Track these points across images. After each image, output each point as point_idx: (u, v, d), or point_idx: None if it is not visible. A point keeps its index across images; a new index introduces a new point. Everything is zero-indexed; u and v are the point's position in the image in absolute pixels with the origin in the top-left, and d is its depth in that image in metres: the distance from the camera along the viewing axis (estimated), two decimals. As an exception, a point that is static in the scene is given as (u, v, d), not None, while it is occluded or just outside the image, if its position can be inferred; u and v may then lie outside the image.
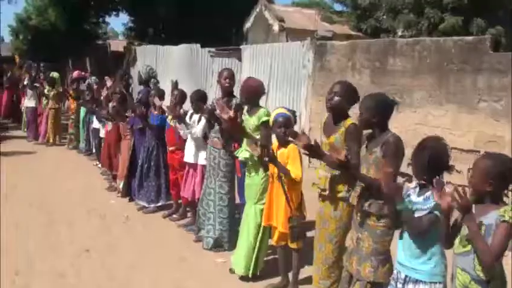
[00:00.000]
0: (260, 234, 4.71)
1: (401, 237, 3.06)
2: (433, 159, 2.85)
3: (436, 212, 2.82)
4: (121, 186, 7.52)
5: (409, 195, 2.98)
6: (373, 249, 3.39)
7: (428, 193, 2.88)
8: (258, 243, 4.70)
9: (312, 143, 3.59)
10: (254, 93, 4.84)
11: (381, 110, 3.40)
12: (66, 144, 11.63)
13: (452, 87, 7.18)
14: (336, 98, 3.80)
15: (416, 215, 2.90)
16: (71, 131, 11.37)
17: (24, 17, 24.07)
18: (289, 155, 4.20)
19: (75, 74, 12.18)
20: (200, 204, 5.55)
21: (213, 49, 12.76)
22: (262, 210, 4.64)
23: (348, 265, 3.57)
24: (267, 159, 4.15)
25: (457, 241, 2.71)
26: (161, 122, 6.53)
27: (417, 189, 2.99)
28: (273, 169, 4.31)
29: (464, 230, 2.64)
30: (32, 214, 6.62)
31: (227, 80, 5.34)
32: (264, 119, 4.66)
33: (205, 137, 5.79)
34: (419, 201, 2.92)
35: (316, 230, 4.04)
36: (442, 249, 2.94)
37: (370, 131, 3.52)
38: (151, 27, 22.45)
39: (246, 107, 4.95)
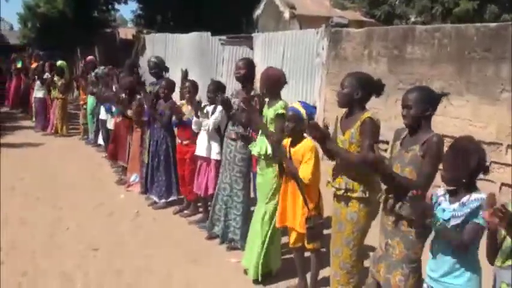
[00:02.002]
0: (269, 235, 4.50)
1: (432, 248, 2.79)
2: (480, 163, 2.63)
3: (476, 220, 2.56)
4: (131, 179, 7.34)
5: (439, 204, 2.73)
6: (404, 256, 3.13)
7: (464, 198, 2.63)
8: (267, 244, 4.49)
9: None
10: (274, 83, 4.57)
11: (433, 104, 3.12)
12: (81, 134, 11.41)
13: (474, 76, 6.89)
14: (344, 91, 3.56)
15: (452, 223, 2.64)
16: (83, 120, 11.15)
17: (33, 4, 23.83)
18: (304, 154, 3.95)
19: (89, 59, 11.86)
20: (216, 200, 5.35)
21: (224, 37, 12.49)
22: (274, 210, 4.44)
23: (375, 272, 3.33)
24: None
25: (498, 254, 2.46)
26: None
27: (447, 195, 2.74)
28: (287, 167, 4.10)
29: (508, 242, 2.39)
30: (38, 209, 6.46)
31: (238, 71, 5.10)
32: (280, 111, 4.41)
33: (218, 130, 5.57)
34: (455, 207, 2.66)
35: (332, 233, 3.81)
36: (478, 260, 2.68)
37: (404, 127, 3.24)
38: (159, 15, 22.18)
39: (266, 99, 4.69)
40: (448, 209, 2.68)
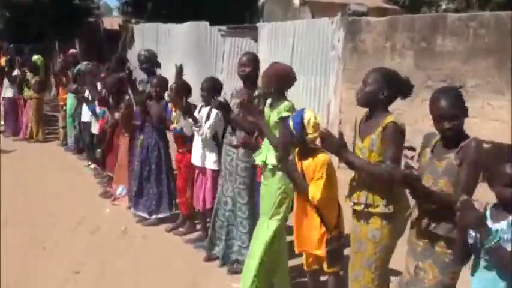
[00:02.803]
0: (274, 256, 4.52)
1: (474, 272, 2.77)
2: None
3: None
4: (117, 192, 7.36)
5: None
6: (438, 282, 3.12)
7: (511, 217, 2.58)
8: (268, 264, 4.51)
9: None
10: (285, 81, 4.53)
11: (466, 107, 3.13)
12: (60, 139, 11.47)
13: (516, 72, 6.89)
14: (368, 89, 3.53)
15: (509, 248, 2.54)
16: (63, 124, 11.19)
17: (0, -10, 23.89)
18: (315, 170, 3.92)
19: (71, 53, 11.87)
20: (215, 216, 5.36)
21: (224, 27, 12.54)
22: (277, 226, 4.47)
23: (402, 300, 3.32)
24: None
25: None
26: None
27: (487, 212, 2.69)
28: None
29: None
30: (10, 226, 6.45)
31: (242, 68, 5.10)
32: (284, 114, 4.37)
33: (215, 135, 5.57)
34: (502, 227, 2.59)
35: (351, 254, 3.79)
36: None
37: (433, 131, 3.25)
38: (150, 1, 22.27)
39: (268, 99, 4.64)
40: (494, 229, 2.62)
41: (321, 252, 4.04)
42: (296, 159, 4.09)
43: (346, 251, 4.15)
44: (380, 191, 3.49)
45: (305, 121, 3.90)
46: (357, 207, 3.61)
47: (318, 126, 3.92)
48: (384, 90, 3.50)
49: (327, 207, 3.98)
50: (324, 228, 4.00)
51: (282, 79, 4.53)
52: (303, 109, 4.06)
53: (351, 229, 3.78)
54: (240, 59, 5.20)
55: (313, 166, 3.93)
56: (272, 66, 4.64)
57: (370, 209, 3.54)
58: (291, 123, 3.94)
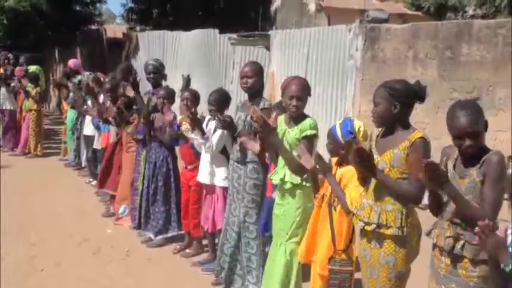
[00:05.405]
0: (293, 279, 4.51)
1: None
2: None
3: None
4: (120, 211, 7.40)
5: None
6: None
7: None
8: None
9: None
10: (307, 95, 4.49)
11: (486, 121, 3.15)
12: (62, 154, 11.60)
13: (549, 83, 6.89)
14: (378, 109, 3.53)
15: None
16: (64, 138, 11.31)
17: (-2, -3, 24.25)
18: (351, 177, 3.95)
19: (72, 63, 11.98)
20: (224, 237, 5.37)
21: (234, 35, 12.61)
22: (295, 249, 4.47)
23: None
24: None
25: None
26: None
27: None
28: (325, 190, 4.14)
29: None
30: (7, 246, 6.50)
31: (244, 79, 5.06)
32: (309, 132, 4.37)
33: (224, 150, 5.61)
34: None
35: (363, 279, 3.79)
36: None
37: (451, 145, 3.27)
38: (156, 8, 22.49)
39: (283, 116, 4.62)
40: None
41: (322, 270, 4.07)
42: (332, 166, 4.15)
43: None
44: (393, 210, 3.50)
45: (356, 129, 3.98)
46: (368, 227, 3.59)
47: (367, 134, 4.00)
48: (395, 104, 3.49)
49: (345, 222, 4.01)
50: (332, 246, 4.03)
51: (309, 92, 4.55)
52: (349, 117, 4.12)
53: (358, 252, 3.78)
54: (242, 69, 5.16)
55: (351, 173, 3.94)
56: (298, 79, 4.56)
57: (382, 230, 3.52)
58: (338, 131, 4.02)
